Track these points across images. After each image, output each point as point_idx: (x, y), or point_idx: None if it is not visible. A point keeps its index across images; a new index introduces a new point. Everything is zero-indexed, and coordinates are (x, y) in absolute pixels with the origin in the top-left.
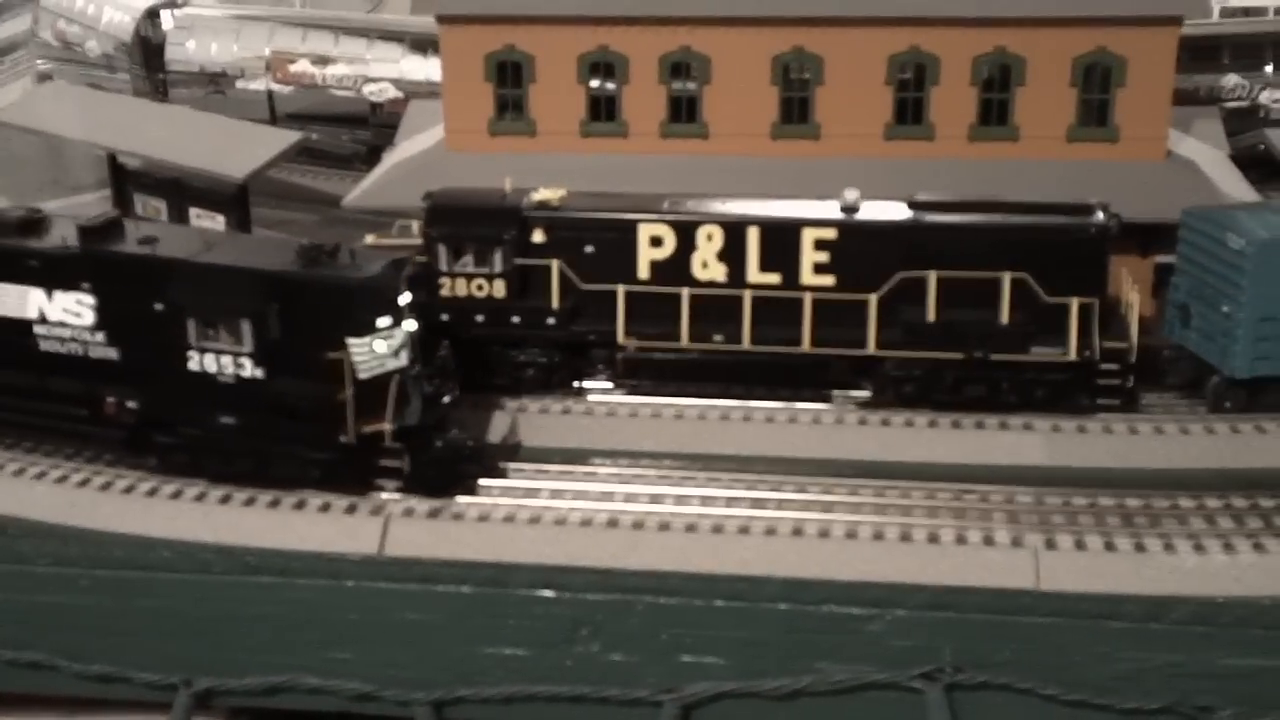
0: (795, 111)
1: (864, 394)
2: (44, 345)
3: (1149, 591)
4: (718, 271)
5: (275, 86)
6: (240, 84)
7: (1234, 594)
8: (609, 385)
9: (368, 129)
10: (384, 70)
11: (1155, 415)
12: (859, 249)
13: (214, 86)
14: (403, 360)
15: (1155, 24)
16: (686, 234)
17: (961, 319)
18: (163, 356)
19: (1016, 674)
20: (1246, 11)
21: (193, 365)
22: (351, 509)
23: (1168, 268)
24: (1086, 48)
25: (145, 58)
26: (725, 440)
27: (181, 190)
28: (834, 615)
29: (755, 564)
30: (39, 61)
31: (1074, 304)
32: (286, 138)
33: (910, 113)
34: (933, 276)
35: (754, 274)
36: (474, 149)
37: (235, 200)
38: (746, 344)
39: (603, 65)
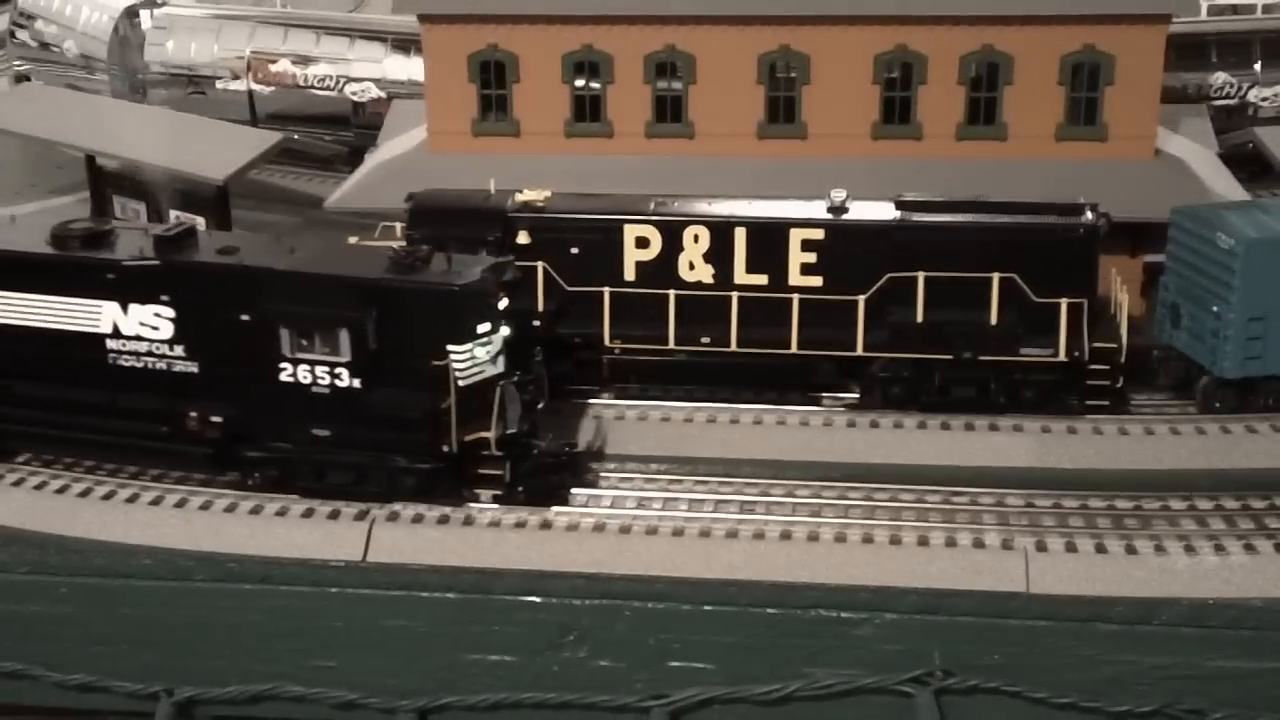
0: (781, 111)
1: (852, 396)
2: (117, 361)
3: (1140, 593)
4: (704, 273)
5: (256, 87)
6: (220, 84)
7: (1225, 595)
8: (594, 388)
9: (350, 130)
10: (366, 70)
11: (1145, 416)
12: (846, 250)
13: (194, 87)
14: (500, 366)
15: (1143, 22)
16: (673, 235)
17: (950, 320)
18: (251, 369)
19: (1006, 677)
20: (1234, 9)
21: (285, 377)
22: (335, 515)
23: (1157, 267)
24: (1074, 46)
25: (124, 58)
26: (712, 443)
27: (161, 192)
28: (823, 619)
29: (743, 568)
30: (16, 62)
31: (1063, 304)
32: (267, 139)
33: (897, 112)
34: (920, 277)
35: (741, 275)
36: (457, 150)
37: (216, 202)
38: (734, 346)
39: (587, 65)
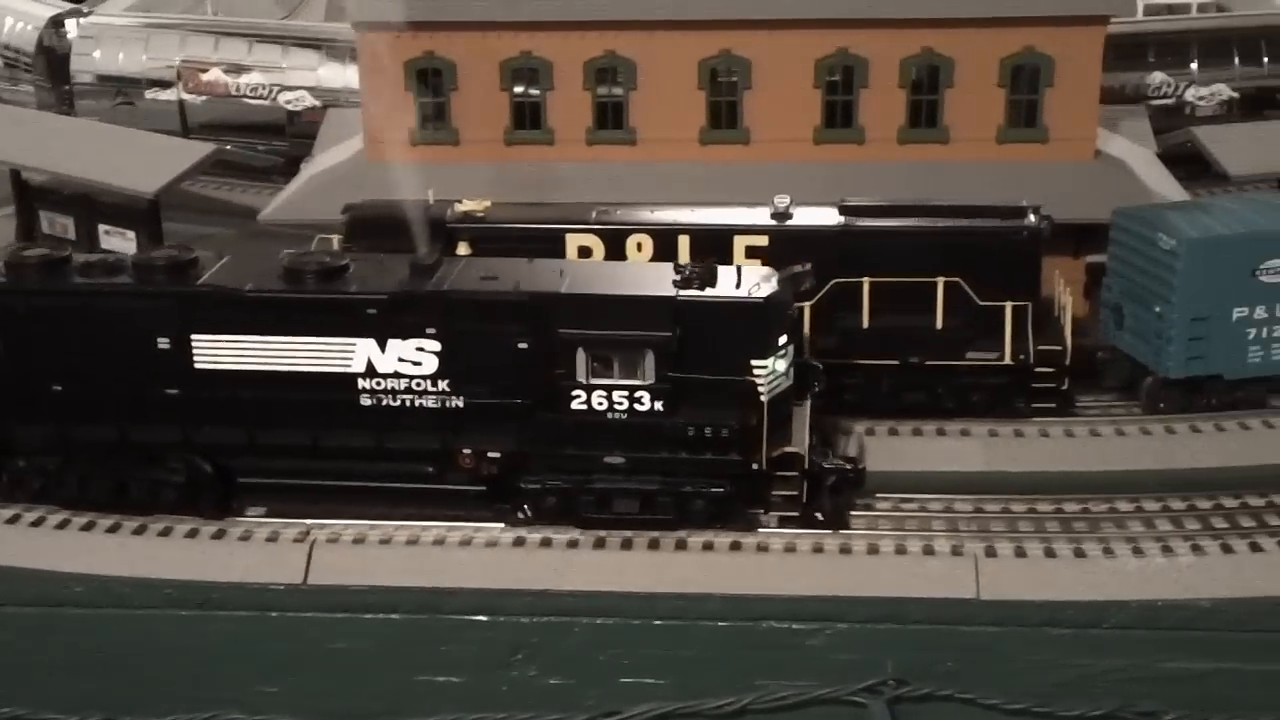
0: (724, 116)
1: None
2: (371, 401)
3: (1090, 597)
4: None
5: (187, 96)
6: (150, 94)
7: (1174, 597)
8: None
9: (284, 139)
10: (300, 78)
11: (1091, 417)
12: (791, 256)
13: (122, 97)
14: (791, 379)
15: (1081, 23)
16: (616, 243)
17: (896, 325)
18: (533, 399)
19: (959, 684)
20: (1170, 9)
21: (577, 404)
22: (274, 536)
23: (1100, 268)
24: (1014, 48)
25: (50, 69)
26: None
27: (90, 206)
28: (774, 631)
29: (693, 581)
30: None
31: (1008, 307)
32: (199, 150)
33: (839, 116)
34: (866, 282)
35: None
36: (395, 159)
37: (147, 216)
38: None
39: (526, 71)
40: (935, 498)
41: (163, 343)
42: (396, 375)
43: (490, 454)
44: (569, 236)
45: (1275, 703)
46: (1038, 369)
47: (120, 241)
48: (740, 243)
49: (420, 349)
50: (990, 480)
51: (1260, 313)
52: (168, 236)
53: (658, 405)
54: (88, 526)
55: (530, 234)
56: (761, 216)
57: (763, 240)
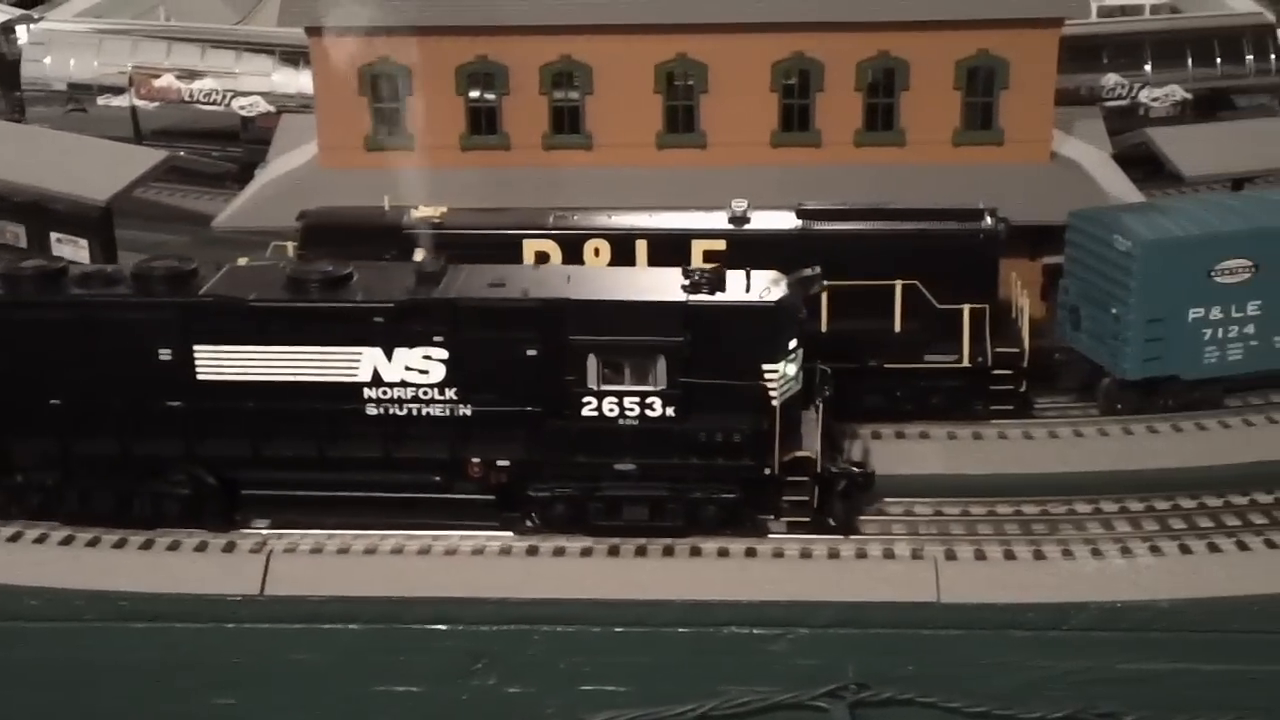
0: (680, 120)
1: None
2: (376, 410)
3: (1050, 599)
4: None
5: (139, 103)
6: (102, 101)
7: (1133, 598)
8: None
9: (238, 145)
10: (254, 84)
11: (1049, 419)
12: (749, 260)
13: (74, 104)
14: (800, 383)
15: (1036, 25)
16: (573, 249)
17: (855, 328)
18: (544, 406)
19: (921, 688)
20: (1124, 10)
21: (588, 411)
22: (230, 547)
23: (1057, 270)
24: (969, 51)
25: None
26: None
27: (42, 214)
28: (736, 637)
29: (654, 587)
30: None
31: (965, 310)
32: (152, 156)
33: (796, 120)
34: (824, 286)
35: None
36: (350, 165)
37: (99, 223)
38: None
39: (482, 76)
40: (895, 501)
41: (164, 354)
42: (403, 384)
43: (499, 462)
44: (526, 242)
45: (1234, 702)
46: (996, 371)
47: (72, 249)
48: (698, 247)
49: (427, 357)
50: (949, 483)
51: (1216, 313)
52: (121, 244)
53: (669, 411)
54: (40, 539)
55: (487, 240)
56: (719, 221)
57: (720, 245)
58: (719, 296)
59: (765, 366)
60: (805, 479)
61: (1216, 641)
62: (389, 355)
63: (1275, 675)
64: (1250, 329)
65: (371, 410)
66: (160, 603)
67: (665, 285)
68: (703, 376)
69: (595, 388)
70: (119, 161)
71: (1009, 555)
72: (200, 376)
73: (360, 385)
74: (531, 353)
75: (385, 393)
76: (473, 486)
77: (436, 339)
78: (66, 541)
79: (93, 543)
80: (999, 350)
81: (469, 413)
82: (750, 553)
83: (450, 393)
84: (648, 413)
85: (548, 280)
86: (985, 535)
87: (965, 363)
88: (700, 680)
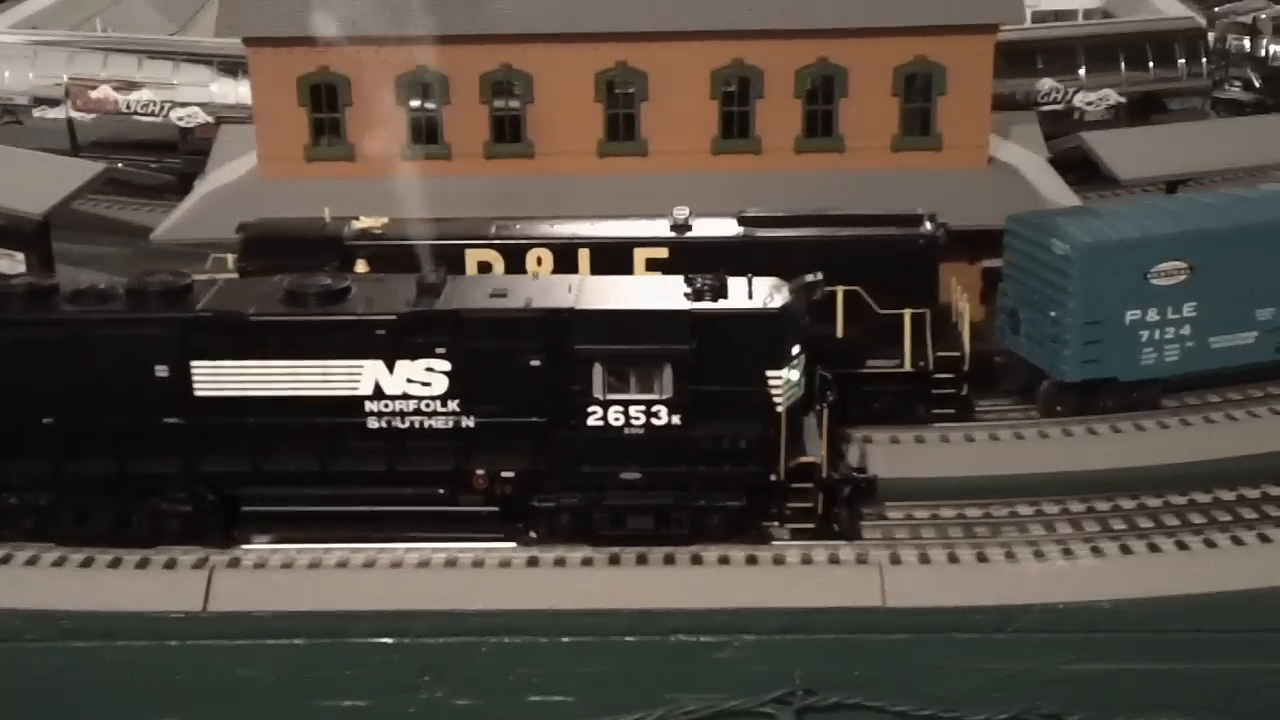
0: (621, 128)
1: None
2: (378, 424)
3: (994, 602)
4: None
5: (76, 114)
6: (38, 113)
7: (1075, 599)
8: None
9: (177, 156)
10: (192, 94)
11: (990, 422)
12: (691, 268)
13: (9, 116)
14: (803, 389)
15: (972, 31)
16: (515, 258)
17: None
18: (548, 416)
19: (868, 693)
20: (1057, 15)
21: (594, 421)
22: (171, 564)
23: (996, 273)
24: (906, 57)
25: None
26: None
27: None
28: (683, 644)
29: (601, 597)
30: None
31: (906, 315)
32: (90, 168)
33: (736, 126)
34: None
35: None
36: (290, 176)
37: (36, 237)
38: None
39: (422, 86)
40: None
41: (161, 371)
42: (405, 396)
43: (504, 473)
44: (468, 252)
45: (1177, 702)
46: (937, 375)
47: (9, 263)
48: (640, 255)
49: (430, 369)
50: (893, 487)
51: (1153, 315)
52: (58, 257)
53: (675, 419)
54: None
55: (429, 250)
56: (661, 228)
57: (663, 252)
58: (723, 304)
59: (769, 373)
60: (810, 485)
61: (1159, 641)
62: (391, 368)
63: (1216, 674)
64: (1186, 330)
65: (373, 423)
66: (104, 621)
67: (668, 293)
68: (707, 384)
69: (601, 397)
70: (56, 174)
71: (953, 558)
72: (198, 392)
73: (362, 398)
74: (535, 363)
75: (387, 405)
76: (477, 499)
77: (439, 350)
78: (4, 560)
79: (31, 560)
80: (940, 354)
81: (472, 424)
82: (696, 560)
83: (453, 404)
84: (654, 421)
85: (550, 290)
86: (929, 539)
87: (907, 367)
88: (649, 689)
